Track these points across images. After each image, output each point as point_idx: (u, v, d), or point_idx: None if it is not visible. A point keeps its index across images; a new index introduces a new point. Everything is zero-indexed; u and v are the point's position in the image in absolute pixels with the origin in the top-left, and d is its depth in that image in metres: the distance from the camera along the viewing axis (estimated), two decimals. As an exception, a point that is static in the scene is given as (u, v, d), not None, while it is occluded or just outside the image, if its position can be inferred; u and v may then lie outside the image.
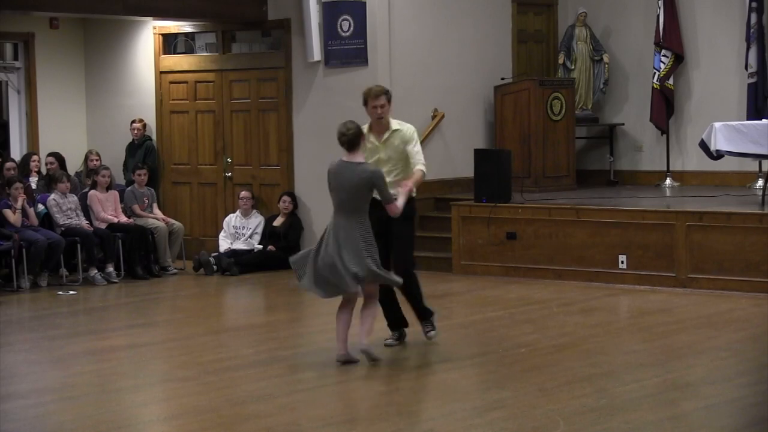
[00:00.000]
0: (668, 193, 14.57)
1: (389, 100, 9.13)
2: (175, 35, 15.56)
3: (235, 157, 15.05)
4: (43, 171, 14.62)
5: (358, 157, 8.75)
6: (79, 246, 13.39)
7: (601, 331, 10.18)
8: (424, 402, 7.94)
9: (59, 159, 14.57)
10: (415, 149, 9.17)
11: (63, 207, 13.52)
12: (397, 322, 9.48)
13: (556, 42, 16.01)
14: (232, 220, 14.53)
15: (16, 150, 15.56)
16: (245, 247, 14.26)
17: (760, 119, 13.30)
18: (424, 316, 9.48)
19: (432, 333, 9.44)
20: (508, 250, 13.18)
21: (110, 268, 13.52)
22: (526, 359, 8.99)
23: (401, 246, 9.17)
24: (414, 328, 9.51)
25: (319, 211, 14.19)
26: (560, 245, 12.83)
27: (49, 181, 14.11)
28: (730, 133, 12.31)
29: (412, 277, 9.26)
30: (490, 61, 15.17)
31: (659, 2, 14.94)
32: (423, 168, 9.12)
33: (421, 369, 8.71)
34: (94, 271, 13.40)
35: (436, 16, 14.61)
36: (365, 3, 13.79)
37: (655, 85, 15.04)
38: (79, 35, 16.09)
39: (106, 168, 14.18)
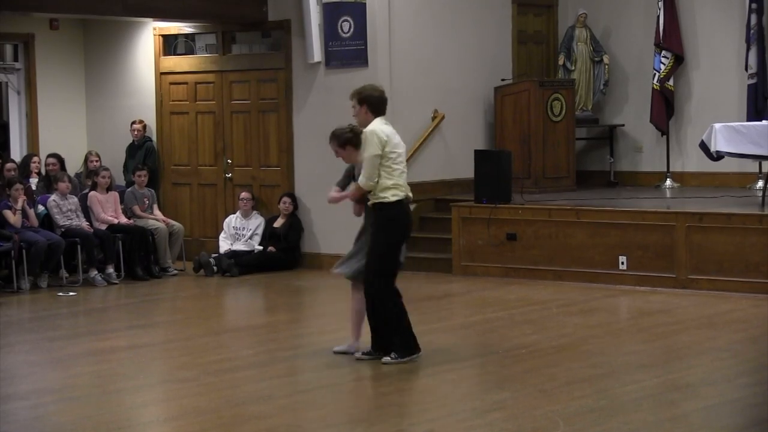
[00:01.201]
0: (668, 194, 14.57)
1: (360, 102, 8.71)
2: (175, 36, 15.56)
3: (235, 158, 15.04)
4: (43, 172, 14.62)
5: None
6: (79, 247, 13.39)
7: (601, 331, 10.18)
8: (424, 403, 7.94)
9: (60, 160, 14.57)
10: (363, 156, 8.61)
11: (63, 208, 13.52)
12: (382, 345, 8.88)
13: (556, 43, 16.02)
14: (232, 221, 14.53)
15: (16, 151, 15.56)
16: (245, 248, 14.26)
17: (760, 120, 13.31)
18: (382, 346, 8.77)
19: (387, 358, 8.69)
20: (508, 251, 13.18)
21: (110, 269, 13.52)
22: (526, 360, 8.99)
23: (367, 258, 8.72)
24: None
25: (319, 212, 14.20)
26: (560, 246, 12.83)
27: (49, 182, 14.12)
28: (730, 134, 12.32)
29: (368, 296, 8.69)
30: (490, 62, 15.17)
31: (659, 3, 14.94)
32: (360, 182, 8.61)
33: (420, 370, 8.70)
34: (94, 272, 13.40)
35: (437, 17, 14.61)
36: (365, 4, 13.79)
37: (655, 86, 15.04)
38: (79, 36, 16.09)
39: (106, 169, 14.18)
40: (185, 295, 13.14)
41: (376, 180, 8.56)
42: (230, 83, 15.05)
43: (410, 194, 8.81)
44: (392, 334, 8.73)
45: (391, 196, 8.60)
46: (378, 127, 8.64)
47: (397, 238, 8.71)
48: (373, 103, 8.74)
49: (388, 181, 8.60)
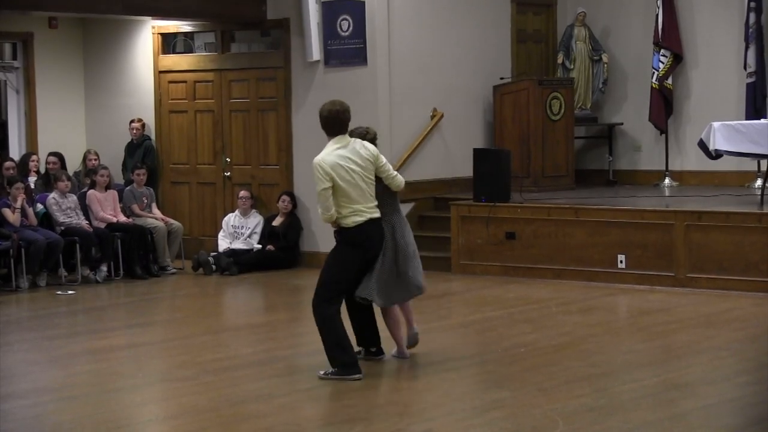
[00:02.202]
0: (667, 193, 14.57)
1: None
2: (174, 35, 15.55)
3: (234, 157, 15.04)
4: (43, 170, 14.61)
5: None
6: (78, 246, 13.38)
7: (600, 330, 10.18)
8: (423, 402, 7.93)
9: (60, 159, 14.56)
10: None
11: (63, 206, 13.52)
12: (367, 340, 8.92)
13: (555, 42, 16.01)
14: (231, 219, 14.53)
15: (15, 150, 15.55)
16: (244, 247, 14.26)
17: (759, 119, 13.31)
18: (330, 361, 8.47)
19: (321, 373, 8.40)
20: (507, 250, 13.18)
21: (103, 267, 13.51)
22: (525, 359, 8.99)
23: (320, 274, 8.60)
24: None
25: (317, 211, 14.16)
26: (559, 245, 12.83)
27: (49, 181, 14.12)
28: (729, 133, 12.31)
29: (314, 312, 8.47)
30: (489, 60, 15.17)
31: (658, 2, 14.93)
32: (321, 217, 8.56)
33: (419, 369, 8.70)
34: (86, 271, 13.42)
35: (436, 15, 14.61)
36: (364, 3, 13.78)
37: (654, 85, 15.04)
38: (78, 35, 16.08)
39: (105, 167, 14.18)
40: (184, 294, 13.14)
41: (333, 210, 8.34)
42: (229, 82, 15.04)
43: (375, 215, 8.43)
44: (328, 351, 8.41)
45: (351, 222, 8.38)
46: (321, 157, 8.37)
47: (350, 264, 8.43)
48: (322, 122, 8.51)
49: (345, 209, 8.37)
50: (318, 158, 8.40)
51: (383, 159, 8.64)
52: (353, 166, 8.39)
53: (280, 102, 14.62)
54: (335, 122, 8.47)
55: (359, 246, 8.45)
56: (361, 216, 8.39)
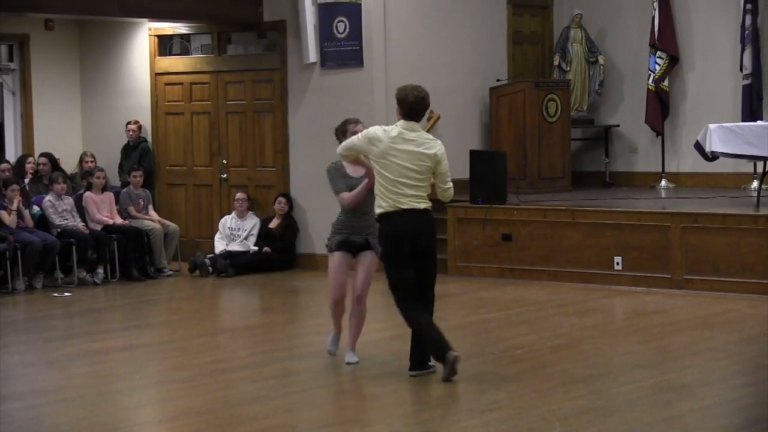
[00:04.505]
0: (663, 195, 14.57)
1: None
2: (171, 37, 15.55)
3: (230, 159, 15.04)
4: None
5: None
6: (74, 248, 13.37)
7: (597, 332, 10.19)
8: (419, 403, 7.94)
9: (52, 160, 14.49)
10: None
11: (58, 208, 13.51)
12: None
13: (552, 43, 16.03)
14: (228, 221, 14.53)
15: (11, 152, 15.54)
16: (241, 249, 14.26)
17: (755, 121, 13.33)
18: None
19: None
20: (503, 252, 13.18)
21: (100, 269, 13.50)
22: (522, 361, 9.00)
23: None
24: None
25: (314, 213, 14.20)
26: (556, 246, 12.83)
27: (40, 181, 14.10)
28: (725, 135, 12.32)
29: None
30: (485, 62, 15.18)
31: (654, 4, 14.96)
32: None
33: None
34: (83, 273, 13.41)
35: (432, 17, 14.61)
36: (361, 4, 13.80)
37: (650, 87, 15.06)
38: (75, 37, 16.07)
39: (101, 169, 14.17)
40: (181, 296, 13.14)
41: (346, 155, 8.31)
42: (225, 84, 15.04)
43: (406, 206, 8.30)
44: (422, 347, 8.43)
45: (377, 208, 8.34)
46: (385, 133, 8.18)
47: (390, 252, 8.41)
48: (404, 105, 8.26)
49: (380, 198, 8.30)
50: (379, 129, 8.21)
51: (445, 165, 8.40)
52: (407, 163, 8.20)
53: (277, 104, 14.62)
54: (421, 108, 8.29)
55: (390, 236, 8.31)
56: (385, 203, 8.25)
